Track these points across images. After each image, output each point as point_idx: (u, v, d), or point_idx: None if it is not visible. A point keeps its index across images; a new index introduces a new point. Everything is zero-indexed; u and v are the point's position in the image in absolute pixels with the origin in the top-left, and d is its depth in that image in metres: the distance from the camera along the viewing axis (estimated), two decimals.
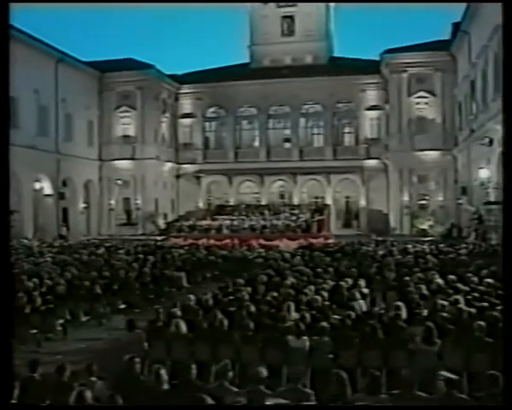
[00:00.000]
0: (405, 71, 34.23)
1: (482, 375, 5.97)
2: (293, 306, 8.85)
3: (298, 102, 38.11)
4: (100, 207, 37.38)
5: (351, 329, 7.84)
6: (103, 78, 37.22)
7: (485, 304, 8.65)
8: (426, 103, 34.32)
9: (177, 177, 40.51)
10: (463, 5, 27.76)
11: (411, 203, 33.98)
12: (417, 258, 16.76)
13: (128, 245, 23.73)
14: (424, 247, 21.27)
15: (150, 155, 36.66)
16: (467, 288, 10.35)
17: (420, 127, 34.20)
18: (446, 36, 33.87)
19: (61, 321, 10.57)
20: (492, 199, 23.09)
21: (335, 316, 8.35)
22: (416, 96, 34.26)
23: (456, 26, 30.63)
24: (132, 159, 36.89)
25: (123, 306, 12.49)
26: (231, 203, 38.29)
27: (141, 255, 18.99)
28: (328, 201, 37.07)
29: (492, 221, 23.06)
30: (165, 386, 5.66)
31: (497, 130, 21.00)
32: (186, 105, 40.57)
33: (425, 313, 8.75)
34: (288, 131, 39.38)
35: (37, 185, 31.22)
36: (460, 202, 31.30)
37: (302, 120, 39.14)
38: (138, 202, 36.83)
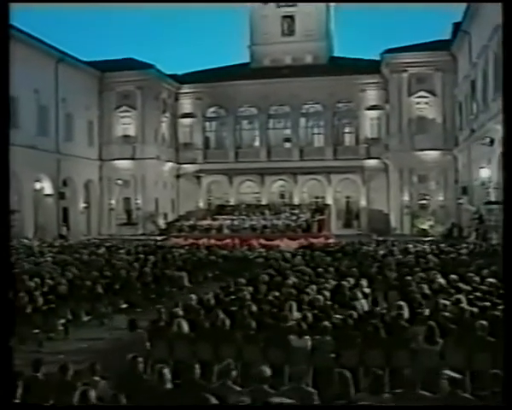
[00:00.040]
0: (405, 71, 34.24)
1: (485, 374, 5.98)
2: (295, 305, 8.83)
3: (298, 101, 38.10)
4: (100, 207, 37.38)
5: (353, 328, 7.83)
6: (103, 78, 37.22)
7: (487, 303, 8.66)
8: (426, 103, 34.33)
9: (178, 177, 40.50)
10: (463, 5, 27.78)
11: (412, 203, 33.99)
12: (418, 258, 16.78)
13: (128, 245, 23.75)
14: (425, 247, 21.29)
15: (150, 154, 36.66)
16: (468, 287, 10.35)
17: (420, 127, 34.20)
18: (447, 36, 33.85)
19: (62, 321, 10.57)
20: (493, 199, 23.10)
21: (337, 316, 8.34)
22: (417, 95, 34.27)
23: (457, 26, 30.63)
24: (132, 159, 36.89)
25: (124, 305, 12.50)
26: (232, 203, 38.27)
27: (141, 255, 19.03)
28: (329, 201, 37.05)
29: (493, 221, 23.08)
30: (169, 385, 5.64)
31: (497, 130, 21.01)
32: (186, 105, 40.56)
33: (427, 312, 8.74)
34: (288, 131, 39.38)
35: (38, 185, 31.19)
36: (460, 201, 31.29)
37: (302, 120, 39.13)
38: (138, 201, 36.82)
